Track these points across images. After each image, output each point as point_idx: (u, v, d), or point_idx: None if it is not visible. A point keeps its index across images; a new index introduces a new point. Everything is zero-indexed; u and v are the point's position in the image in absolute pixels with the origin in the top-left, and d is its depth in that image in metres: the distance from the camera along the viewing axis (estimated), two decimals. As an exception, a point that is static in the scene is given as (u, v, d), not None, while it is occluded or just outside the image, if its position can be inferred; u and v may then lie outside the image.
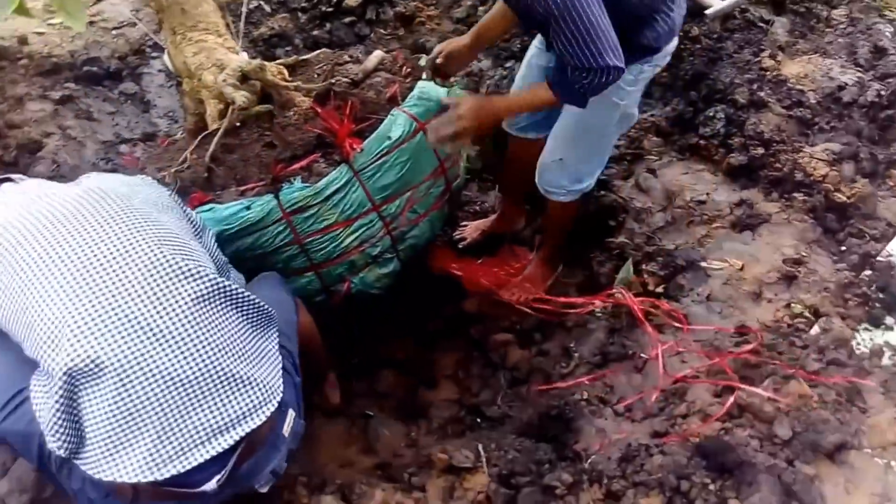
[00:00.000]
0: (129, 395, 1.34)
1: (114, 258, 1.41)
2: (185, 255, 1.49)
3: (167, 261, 1.44)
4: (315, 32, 3.76)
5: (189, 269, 1.46)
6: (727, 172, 2.74)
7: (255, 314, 1.55)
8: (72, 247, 1.42)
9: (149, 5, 2.49)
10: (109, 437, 1.34)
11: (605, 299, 2.38)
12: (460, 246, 2.72)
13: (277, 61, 2.66)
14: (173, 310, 1.40)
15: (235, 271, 1.84)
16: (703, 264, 2.42)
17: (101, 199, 1.53)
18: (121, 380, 1.33)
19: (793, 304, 2.15)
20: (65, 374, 1.32)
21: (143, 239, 1.46)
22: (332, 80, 2.29)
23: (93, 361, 1.32)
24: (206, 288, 1.45)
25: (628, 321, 2.30)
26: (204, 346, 1.40)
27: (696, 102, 3.01)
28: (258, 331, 1.55)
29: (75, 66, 3.39)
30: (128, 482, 1.34)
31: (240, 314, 1.51)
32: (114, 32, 3.72)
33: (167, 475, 1.35)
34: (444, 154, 2.29)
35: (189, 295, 1.43)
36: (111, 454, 1.34)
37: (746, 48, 3.26)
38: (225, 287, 1.48)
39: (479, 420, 2.25)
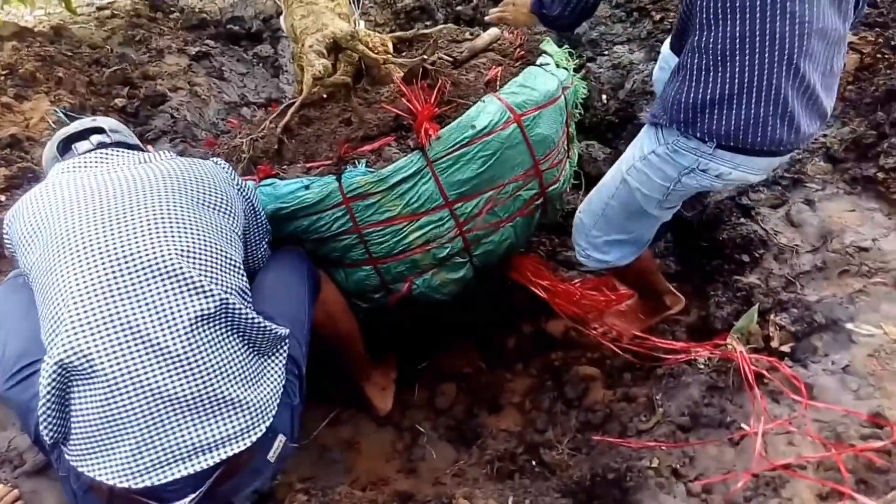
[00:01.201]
0: (116, 402, 1.32)
1: (133, 261, 1.39)
2: (205, 269, 1.44)
3: (183, 274, 1.40)
4: (459, 7, 3.56)
5: (201, 286, 1.40)
6: (905, 216, 2.19)
7: (260, 337, 1.48)
8: (102, 240, 1.41)
9: (268, -36, 2.37)
10: (92, 436, 1.34)
11: (713, 349, 1.97)
12: None
13: (392, 34, 2.48)
14: (175, 325, 1.36)
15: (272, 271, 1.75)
16: (849, 326, 1.93)
17: (153, 192, 1.51)
18: (109, 385, 1.32)
19: (957, 400, 1.64)
20: (56, 364, 1.32)
21: (170, 246, 1.42)
22: (429, 57, 2.05)
23: (86, 359, 1.32)
24: (212, 307, 1.40)
25: (735, 380, 1.88)
26: (198, 366, 1.36)
27: (881, 125, 2.44)
28: (261, 353, 1.49)
29: (220, 24, 3.44)
30: (104, 483, 1.33)
31: (241, 337, 1.45)
32: (267, -8, 3.74)
33: (142, 485, 1.33)
34: (541, 153, 2.00)
35: (194, 312, 1.38)
36: (92, 452, 1.34)
37: (966, 63, 2.62)
38: (231, 308, 1.43)
39: (534, 463, 1.95)
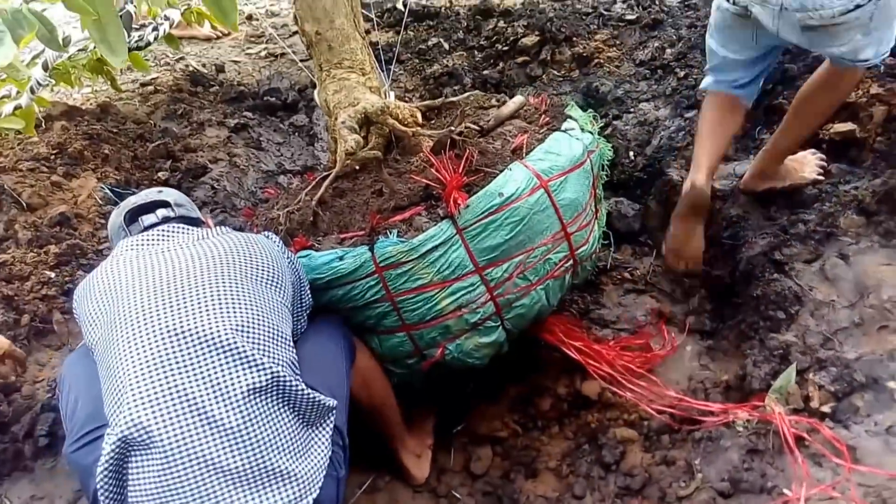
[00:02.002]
0: (172, 472, 1.37)
1: (190, 336, 1.46)
2: (258, 343, 1.50)
3: (237, 348, 1.47)
4: (486, 72, 3.65)
5: (254, 359, 1.47)
6: (944, 269, 2.15)
7: (309, 409, 1.53)
8: (161, 316, 1.49)
9: (301, 41, 2.48)
10: None
11: (752, 410, 1.94)
12: None
13: (419, 103, 2.57)
14: (229, 397, 1.42)
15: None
16: (891, 385, 1.89)
17: (209, 269, 1.59)
18: (166, 455, 1.37)
19: None
20: (118, 437, 1.38)
21: (225, 322, 1.49)
22: (456, 127, 2.12)
23: (146, 432, 1.37)
24: (265, 380, 1.46)
25: (775, 443, 1.85)
26: (251, 438, 1.41)
27: (916, 176, 2.43)
28: (309, 424, 1.54)
29: (257, 96, 3.58)
30: None
31: (291, 409, 1.51)
32: (301, 64, 3.88)
33: None
34: (569, 216, 2.03)
35: (248, 385, 1.44)
36: None
37: None
38: (283, 381, 1.48)
39: (572, 530, 1.93)
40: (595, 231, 2.22)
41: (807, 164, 2.58)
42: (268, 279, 1.65)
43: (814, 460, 1.76)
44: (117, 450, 1.38)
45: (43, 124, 3.05)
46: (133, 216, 1.81)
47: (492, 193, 1.89)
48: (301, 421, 1.51)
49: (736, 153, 2.89)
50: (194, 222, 1.84)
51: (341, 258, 1.88)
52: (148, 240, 1.69)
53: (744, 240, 2.54)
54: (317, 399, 1.52)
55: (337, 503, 1.55)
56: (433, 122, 2.52)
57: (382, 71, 2.77)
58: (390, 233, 1.88)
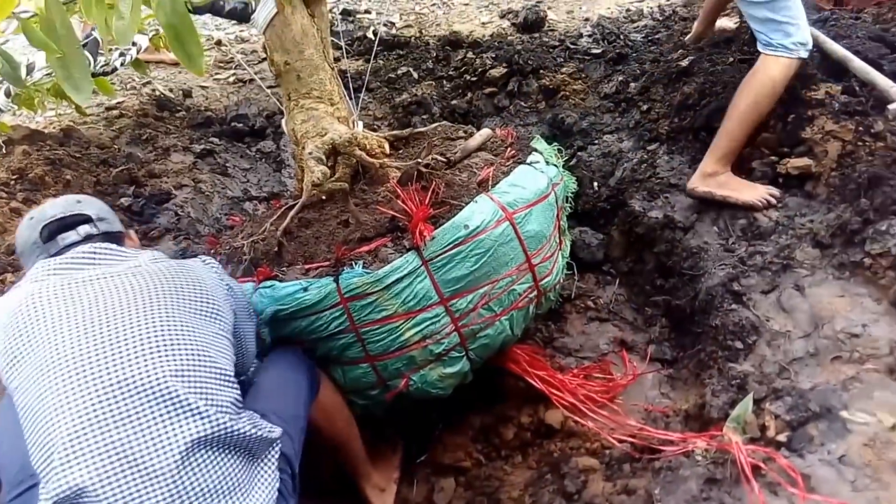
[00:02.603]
0: None
1: (127, 387, 1.37)
2: (199, 388, 1.43)
3: (178, 397, 1.39)
4: (454, 102, 3.70)
5: (196, 408, 1.40)
6: (894, 302, 2.22)
7: (253, 444, 1.48)
8: (94, 365, 1.38)
9: (270, 69, 2.50)
10: None
11: (710, 440, 1.98)
12: None
13: (388, 133, 2.59)
14: (171, 451, 1.35)
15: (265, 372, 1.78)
16: (844, 414, 1.94)
17: (144, 307, 1.48)
18: None
19: (954, 492, 1.64)
20: (51, 499, 1.30)
21: (163, 367, 1.41)
22: (423, 159, 2.14)
23: (83, 492, 1.29)
24: (208, 430, 1.39)
25: (733, 472, 1.88)
26: (196, 489, 1.35)
27: (866, 212, 2.51)
28: (254, 457, 1.49)
29: (224, 121, 3.57)
30: None
31: (234, 451, 1.45)
32: (269, 91, 3.89)
33: None
34: (533, 248, 2.06)
35: (190, 437, 1.37)
36: None
37: (947, 150, 2.70)
38: (225, 427, 1.42)
39: (535, 561, 1.93)
40: (559, 262, 2.25)
41: (754, 190, 2.69)
42: (207, 312, 1.56)
43: (770, 489, 1.79)
44: None
45: (3, 149, 3.01)
46: (51, 234, 1.63)
47: (457, 225, 1.91)
48: (245, 458, 1.47)
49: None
50: (116, 237, 1.72)
51: (305, 289, 1.89)
52: (72, 264, 1.55)
53: (703, 270, 2.60)
54: (260, 435, 1.48)
55: None
56: (401, 151, 2.55)
57: (351, 99, 2.80)
58: (356, 264, 1.88)
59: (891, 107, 2.69)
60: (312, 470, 1.98)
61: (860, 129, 2.77)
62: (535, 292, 2.13)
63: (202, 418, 1.39)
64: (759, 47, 2.58)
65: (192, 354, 1.46)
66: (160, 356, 1.42)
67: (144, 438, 1.34)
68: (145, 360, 1.40)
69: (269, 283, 1.94)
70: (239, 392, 1.54)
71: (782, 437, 1.95)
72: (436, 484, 2.20)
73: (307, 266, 1.97)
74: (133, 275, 1.55)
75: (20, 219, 2.58)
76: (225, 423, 1.41)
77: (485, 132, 2.38)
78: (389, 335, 1.92)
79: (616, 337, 2.66)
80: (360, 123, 2.63)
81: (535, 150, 2.30)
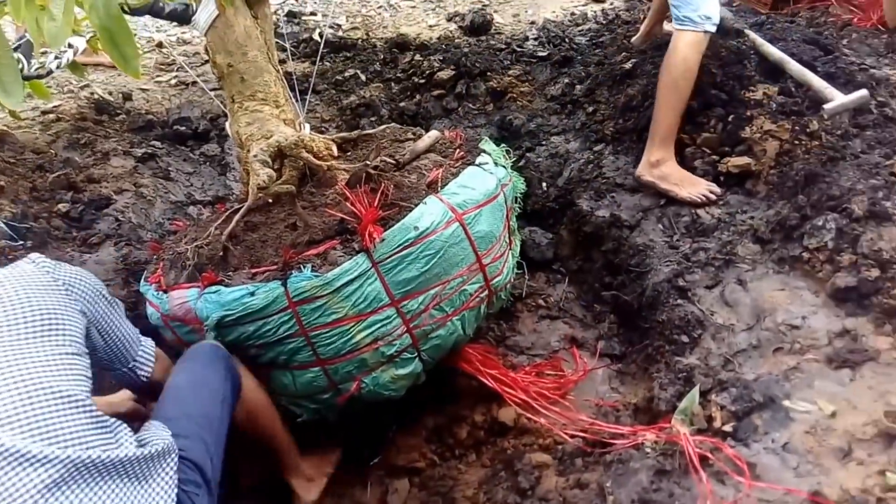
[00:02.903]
0: None
1: None
2: (37, 432, 1.24)
3: (10, 450, 1.20)
4: (402, 104, 3.70)
5: (38, 455, 1.21)
6: (831, 294, 2.29)
7: (134, 465, 1.34)
8: None
9: (213, 72, 2.45)
10: None
11: (659, 432, 2.01)
12: None
13: (336, 135, 2.57)
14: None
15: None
16: (786, 403, 2.00)
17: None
18: None
19: (889, 473, 1.70)
20: None
21: None
22: (371, 161, 2.13)
23: None
24: (59, 472, 1.22)
25: (681, 463, 1.92)
26: None
27: (804, 208, 2.59)
28: (142, 478, 1.36)
29: (166, 125, 3.49)
30: None
31: (109, 477, 1.30)
32: (212, 94, 3.81)
33: None
34: (483, 248, 2.07)
35: (40, 484, 1.20)
36: None
37: (878, 148, 2.81)
38: (82, 461, 1.25)
39: (491, 559, 1.94)
40: (509, 261, 2.27)
41: (695, 185, 2.80)
42: (37, 330, 1.35)
43: (717, 478, 1.83)
44: None
45: (-69, 154, 2.88)
46: None
47: (407, 227, 1.91)
48: (127, 480, 1.33)
49: (641, 186, 3.02)
50: None
51: (252, 294, 1.85)
52: None
53: (649, 267, 2.65)
54: (140, 455, 1.35)
55: None
56: (349, 153, 2.53)
57: (298, 101, 2.77)
58: (304, 267, 1.86)
59: (826, 107, 2.80)
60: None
61: (797, 128, 2.87)
62: (486, 292, 2.14)
63: (46, 462, 1.21)
64: (673, 24, 2.75)
65: (24, 395, 1.26)
66: (19, 395, 1.24)
67: None
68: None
69: (214, 288, 1.90)
70: (97, 413, 1.36)
71: (728, 428, 2.00)
72: (390, 485, 2.19)
73: (254, 270, 1.94)
74: None
75: (-50, 227, 2.48)
76: (78, 457, 1.25)
77: (433, 134, 2.38)
78: (340, 338, 1.90)
79: (566, 334, 2.69)
80: (307, 126, 2.61)
81: (484, 152, 2.31)
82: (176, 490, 1.41)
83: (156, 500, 1.36)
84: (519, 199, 2.42)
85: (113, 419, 1.41)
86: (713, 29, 2.72)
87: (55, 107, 3.69)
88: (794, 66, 3.07)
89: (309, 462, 2.12)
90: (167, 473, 1.41)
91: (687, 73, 2.75)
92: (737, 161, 2.89)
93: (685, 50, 2.72)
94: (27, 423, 1.23)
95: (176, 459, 1.45)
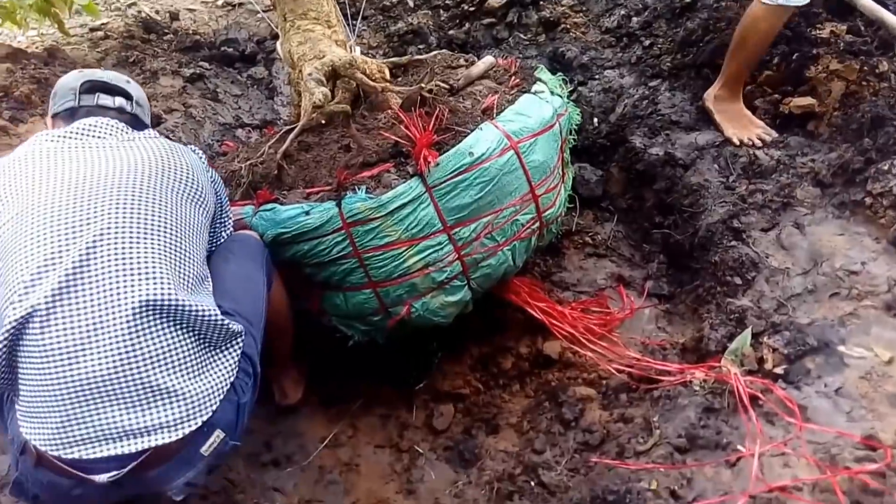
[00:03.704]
0: (50, 373, 1.35)
1: (95, 238, 1.41)
2: (161, 256, 1.45)
3: (138, 259, 1.42)
4: (451, 32, 3.60)
5: (153, 273, 1.42)
6: (893, 241, 2.22)
7: (211, 330, 1.48)
8: (67, 215, 1.43)
9: (266, -10, 2.40)
10: (31, 400, 1.37)
11: (708, 371, 2.00)
12: None
13: (386, 59, 2.52)
14: (119, 307, 1.38)
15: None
16: (841, 349, 1.96)
17: (128, 175, 1.52)
18: (46, 355, 1.34)
19: (947, 422, 1.67)
20: (10, 323, 1.36)
21: (132, 229, 1.45)
22: (426, 85, 2.08)
23: (32, 308, 1.35)
24: (160, 296, 1.40)
25: (730, 402, 1.91)
26: (135, 352, 1.37)
27: (868, 151, 2.49)
28: (211, 346, 1.49)
29: (213, 46, 3.45)
30: (36, 447, 1.36)
31: (188, 329, 1.44)
32: (259, 15, 3.75)
33: (69, 457, 1.35)
34: (537, 178, 2.03)
35: (141, 297, 1.39)
36: (30, 415, 1.38)
37: (953, 91, 2.68)
38: (179, 300, 1.42)
39: (532, 484, 1.96)
40: (562, 194, 2.23)
41: (747, 128, 2.74)
42: (189, 195, 1.59)
43: (767, 419, 1.82)
44: (9, 336, 1.35)
45: (-14, 66, 2.89)
46: (91, 89, 1.70)
47: (462, 152, 1.88)
48: (199, 341, 1.46)
49: (697, 123, 2.93)
50: (141, 126, 1.76)
51: (308, 213, 1.85)
52: (72, 135, 1.59)
53: (703, 207, 2.59)
54: (219, 321, 1.47)
55: (237, 428, 1.51)
56: (399, 79, 2.48)
57: (346, 26, 2.71)
58: (358, 189, 1.85)
59: (901, 44, 2.65)
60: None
61: (865, 69, 2.73)
62: (537, 223, 2.11)
63: (157, 283, 1.40)
64: None
65: (165, 227, 1.49)
66: (133, 218, 1.45)
67: (98, 291, 1.37)
68: (116, 218, 1.44)
69: (270, 205, 1.90)
70: (208, 273, 1.59)
71: (779, 370, 1.98)
72: (435, 409, 2.22)
73: (308, 190, 1.93)
74: (126, 148, 1.60)
75: (7, 138, 2.51)
76: (180, 296, 1.42)
77: (488, 60, 2.32)
78: (392, 262, 1.90)
79: (613, 272, 2.66)
80: (358, 49, 2.56)
81: (540, 80, 2.25)
82: (236, 371, 1.51)
83: (217, 370, 1.48)
84: (574, 132, 2.36)
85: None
86: (798, 3, 2.54)
87: (103, 24, 3.67)
88: (865, 3, 2.90)
89: (295, 367, 2.20)
90: (232, 354, 1.51)
91: (758, 38, 2.63)
92: (799, 101, 2.77)
93: (758, 13, 2.58)
94: (159, 250, 1.45)
95: (242, 344, 1.54)
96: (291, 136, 2.03)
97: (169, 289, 1.41)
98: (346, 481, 2.05)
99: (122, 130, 1.65)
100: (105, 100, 1.69)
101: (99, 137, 1.61)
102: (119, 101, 1.71)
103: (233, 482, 1.92)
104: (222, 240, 1.80)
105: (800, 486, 1.61)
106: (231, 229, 1.83)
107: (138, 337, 1.37)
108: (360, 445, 2.15)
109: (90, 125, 1.62)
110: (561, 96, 2.28)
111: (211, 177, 1.75)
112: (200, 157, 1.76)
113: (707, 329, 2.20)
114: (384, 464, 2.12)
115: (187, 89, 3.14)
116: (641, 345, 2.33)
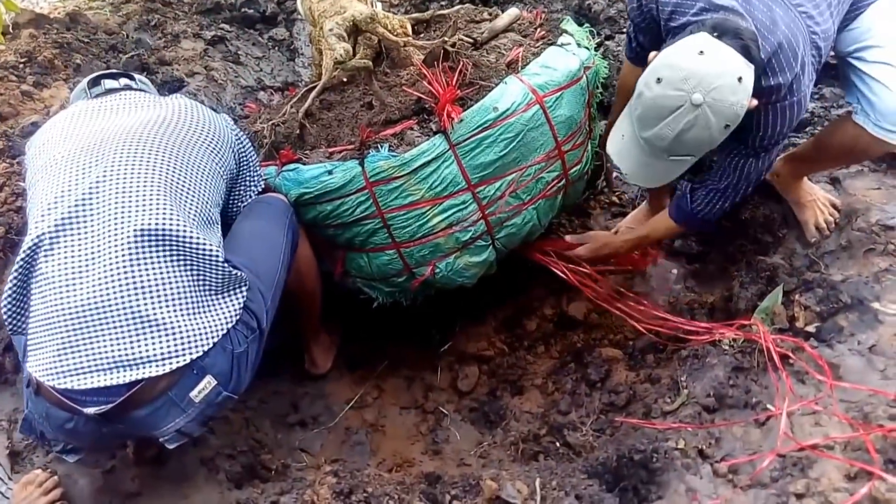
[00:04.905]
0: (50, 299, 1.40)
1: (106, 172, 1.48)
2: (166, 191, 1.49)
3: (143, 192, 1.47)
4: (477, -14, 3.50)
5: (156, 205, 1.46)
6: (932, 194, 2.16)
7: (211, 272, 1.49)
8: (86, 150, 1.53)
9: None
10: (35, 331, 1.43)
11: (737, 329, 1.96)
12: None
13: (409, 15, 2.46)
14: (119, 233, 1.42)
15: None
16: (876, 306, 1.91)
17: (146, 124, 1.60)
18: (48, 280, 1.41)
19: None
20: (24, 251, 1.44)
21: (141, 165, 1.51)
22: (449, 39, 2.03)
23: (41, 234, 1.43)
24: (160, 226, 1.44)
25: (760, 361, 1.88)
26: (131, 279, 1.40)
27: (907, 101, 2.40)
28: (211, 289, 1.50)
29: (234, 7, 3.42)
30: (36, 377, 1.41)
31: (187, 266, 1.47)
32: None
33: (62, 386, 1.38)
34: (564, 134, 1.98)
35: (140, 224, 1.43)
36: (33, 346, 1.43)
37: None
38: (180, 233, 1.46)
39: (558, 444, 1.96)
40: (588, 151, 2.18)
41: (821, 212, 2.22)
42: (202, 140, 1.64)
43: (797, 378, 1.79)
44: (23, 264, 1.43)
45: (10, 31, 2.89)
46: (97, 79, 1.83)
47: (486, 108, 1.83)
48: (197, 280, 1.47)
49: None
50: None
51: (330, 172, 1.83)
52: (102, 103, 1.70)
53: (734, 164, 2.52)
54: (220, 261, 1.49)
55: (230, 380, 1.50)
56: (422, 35, 2.43)
57: (367, -18, 2.65)
58: (381, 147, 1.82)
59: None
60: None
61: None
62: (563, 181, 2.07)
63: (156, 213, 1.45)
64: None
65: (171, 164, 1.54)
66: (140, 157, 1.52)
67: (101, 217, 1.44)
68: (125, 157, 1.51)
69: (292, 166, 1.89)
70: (218, 219, 1.63)
71: (811, 328, 1.93)
72: (460, 371, 2.22)
73: (331, 149, 1.91)
74: (153, 105, 1.70)
75: (32, 102, 2.52)
76: (182, 226, 1.46)
77: (512, 12, 2.26)
78: (416, 221, 1.88)
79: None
80: (379, 4, 2.50)
81: (566, 32, 2.18)
82: (234, 320, 1.50)
83: (216, 312, 1.49)
84: (601, 86, 2.30)
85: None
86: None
87: (124, -12, 3.64)
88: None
89: (326, 334, 2.20)
90: (233, 302, 1.52)
91: (848, 161, 2.22)
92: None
93: (864, 143, 1.95)
94: (166, 186, 1.50)
95: (245, 294, 1.54)
96: (313, 94, 2.00)
97: (168, 219, 1.45)
98: (372, 442, 2.07)
99: (144, 95, 1.77)
100: (111, 83, 1.81)
101: (125, 99, 1.72)
102: (123, 80, 1.84)
103: (260, 442, 1.95)
104: (248, 200, 1.81)
105: (831, 444, 1.59)
106: (258, 191, 1.83)
107: (134, 265, 1.40)
108: (385, 407, 2.16)
109: (119, 95, 1.74)
110: (588, 48, 2.21)
111: (237, 136, 1.79)
112: (227, 120, 1.80)
113: (737, 287, 2.16)
114: (409, 425, 2.14)
115: (209, 52, 3.12)
116: (669, 305, 2.30)
